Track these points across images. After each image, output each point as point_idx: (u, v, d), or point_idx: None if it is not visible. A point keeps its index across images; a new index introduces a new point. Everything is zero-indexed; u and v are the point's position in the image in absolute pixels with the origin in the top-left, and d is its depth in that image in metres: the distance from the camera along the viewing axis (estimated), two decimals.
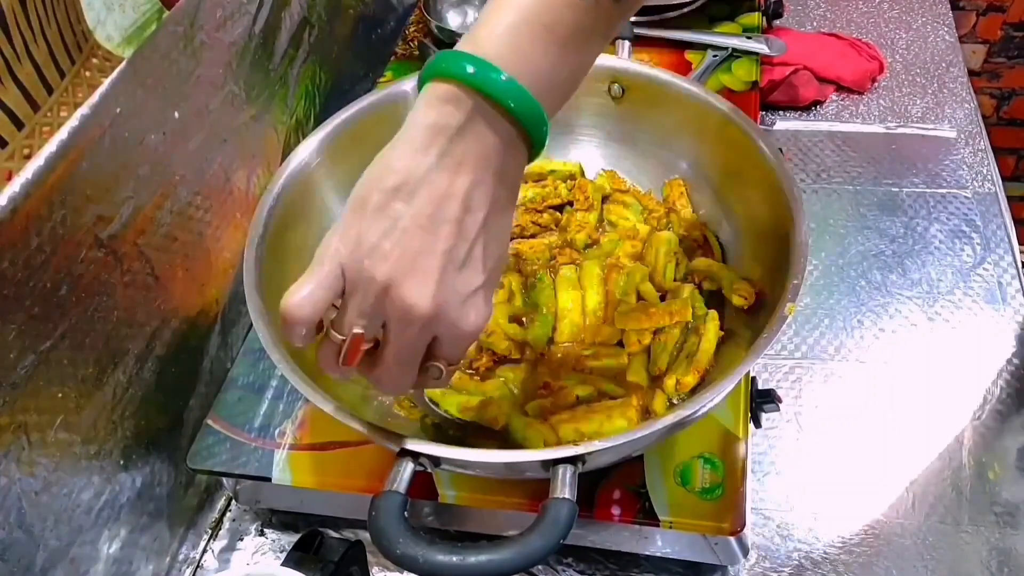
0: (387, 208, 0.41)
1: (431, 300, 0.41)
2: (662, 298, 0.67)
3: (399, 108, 0.75)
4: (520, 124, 0.42)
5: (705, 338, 0.62)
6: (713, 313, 0.64)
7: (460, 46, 0.42)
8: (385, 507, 0.48)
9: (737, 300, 0.63)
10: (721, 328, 0.64)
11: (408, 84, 0.75)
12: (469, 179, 0.41)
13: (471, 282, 0.43)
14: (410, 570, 0.46)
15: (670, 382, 0.61)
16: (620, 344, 0.66)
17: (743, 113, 0.67)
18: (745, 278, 0.64)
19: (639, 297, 0.67)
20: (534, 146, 0.43)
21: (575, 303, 0.67)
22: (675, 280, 0.69)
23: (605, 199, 0.76)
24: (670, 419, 0.49)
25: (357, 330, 0.43)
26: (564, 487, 0.47)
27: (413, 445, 0.50)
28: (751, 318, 0.62)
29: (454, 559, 0.45)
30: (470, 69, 0.40)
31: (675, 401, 0.61)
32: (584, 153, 0.79)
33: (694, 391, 0.60)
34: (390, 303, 0.42)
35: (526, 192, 0.76)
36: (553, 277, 0.70)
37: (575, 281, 0.69)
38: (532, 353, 0.66)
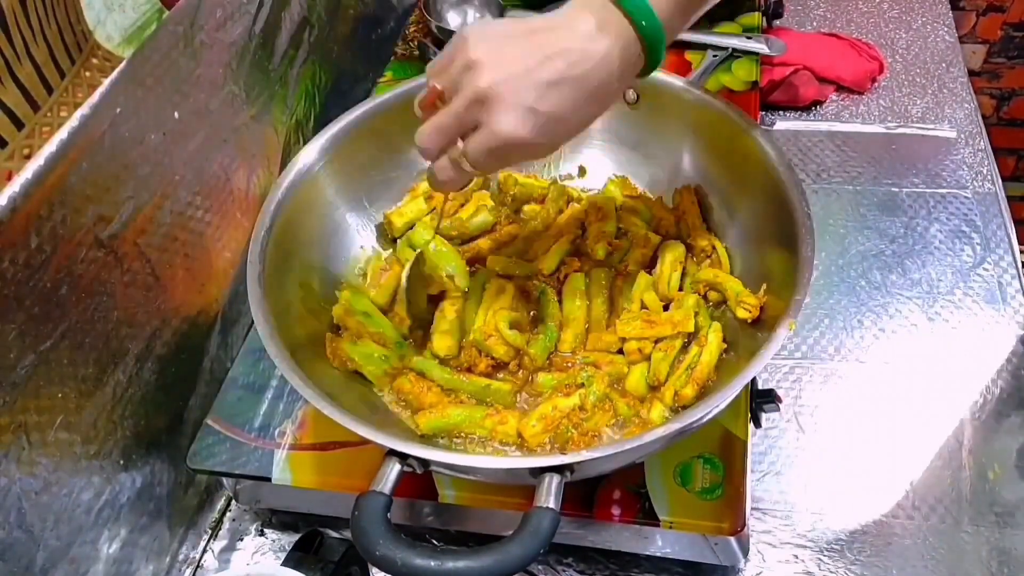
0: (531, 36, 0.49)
1: (490, 80, 0.48)
2: (666, 307, 0.67)
3: (403, 110, 0.75)
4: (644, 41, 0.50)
5: (707, 350, 0.61)
6: (717, 325, 0.63)
7: None
8: (368, 507, 0.48)
9: (741, 313, 0.62)
10: (724, 340, 0.63)
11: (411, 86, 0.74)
12: (603, 45, 0.49)
13: (528, 98, 0.48)
14: (388, 572, 0.46)
15: (668, 393, 0.60)
16: (621, 352, 0.65)
17: (754, 120, 0.67)
18: (749, 289, 0.64)
19: (642, 306, 0.67)
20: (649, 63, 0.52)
21: (581, 313, 0.67)
22: (680, 290, 0.68)
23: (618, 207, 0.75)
24: (660, 432, 0.49)
25: (436, 84, 0.52)
26: (548, 496, 0.47)
27: (401, 446, 0.50)
28: (753, 329, 0.61)
29: (432, 564, 0.45)
30: None
31: (671, 413, 0.60)
32: (595, 158, 0.79)
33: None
34: (468, 74, 0.49)
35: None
36: (558, 288, 0.69)
37: (583, 291, 0.68)
38: (531, 364, 0.65)
